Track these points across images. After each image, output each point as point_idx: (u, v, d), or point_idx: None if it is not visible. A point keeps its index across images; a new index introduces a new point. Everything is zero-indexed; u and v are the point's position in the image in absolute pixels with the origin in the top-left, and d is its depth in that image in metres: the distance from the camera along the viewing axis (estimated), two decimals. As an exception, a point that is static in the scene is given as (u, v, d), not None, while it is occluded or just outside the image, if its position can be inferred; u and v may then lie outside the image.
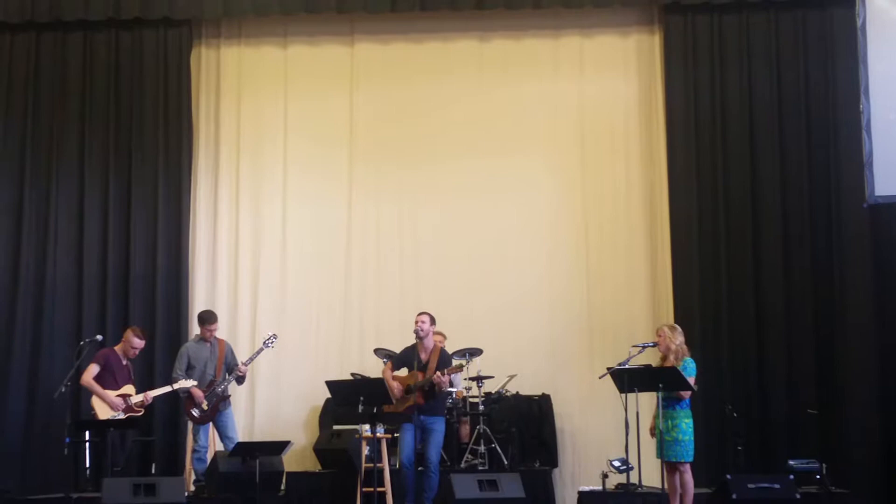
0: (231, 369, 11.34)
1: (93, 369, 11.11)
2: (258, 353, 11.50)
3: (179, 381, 11.10)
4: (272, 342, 11.47)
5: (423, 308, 10.85)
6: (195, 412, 11.13)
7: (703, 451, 10.14)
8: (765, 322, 12.06)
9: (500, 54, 13.11)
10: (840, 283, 11.96)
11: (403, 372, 10.69)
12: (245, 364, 11.37)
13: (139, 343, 11.41)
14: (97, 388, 11.03)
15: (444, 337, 11.62)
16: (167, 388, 11.22)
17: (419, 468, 10.53)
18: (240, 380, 11.42)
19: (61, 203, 12.73)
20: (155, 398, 11.33)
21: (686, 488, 9.82)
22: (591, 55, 13.03)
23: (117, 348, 11.41)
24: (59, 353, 12.30)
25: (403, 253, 12.94)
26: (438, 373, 10.32)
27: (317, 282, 12.92)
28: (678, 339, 9.99)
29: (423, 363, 10.45)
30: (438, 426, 10.46)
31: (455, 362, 11.49)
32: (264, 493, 10.11)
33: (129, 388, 11.16)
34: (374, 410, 10.06)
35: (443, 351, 10.71)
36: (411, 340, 10.64)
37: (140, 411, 11.14)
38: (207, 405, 11.13)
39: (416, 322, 10.54)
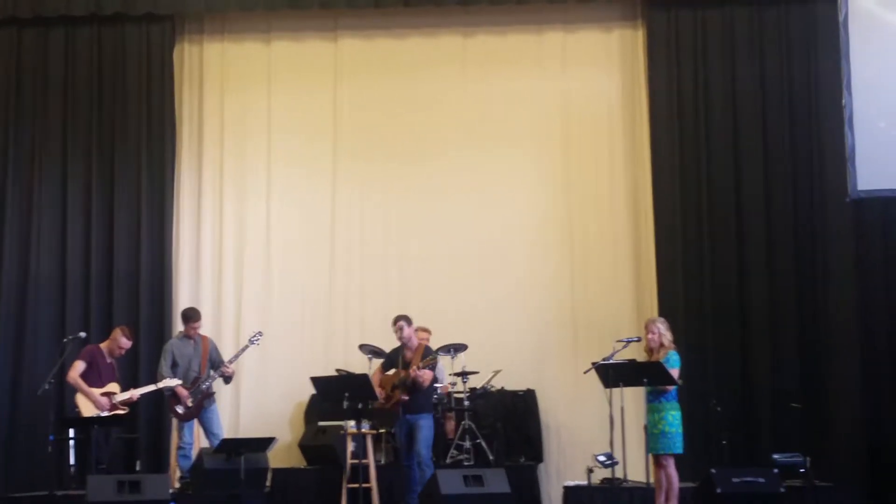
0: (216, 366, 11.32)
1: (79, 366, 11.07)
2: (243, 350, 11.48)
3: (165, 380, 11.08)
4: (257, 339, 11.46)
5: (408, 303, 10.86)
6: (179, 409, 11.11)
7: (687, 445, 10.12)
8: (748, 317, 12.10)
9: (483, 50, 13.10)
10: (823, 278, 12.00)
11: (391, 372, 10.76)
12: (230, 363, 11.36)
13: (126, 343, 11.38)
14: (83, 385, 11.00)
15: (430, 333, 11.64)
16: (152, 387, 11.21)
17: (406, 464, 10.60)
18: (227, 379, 11.42)
19: (44, 200, 12.69)
20: (140, 396, 11.31)
21: (671, 482, 9.85)
22: (575, 51, 13.03)
23: (103, 346, 11.37)
24: (43, 350, 12.28)
25: (388, 249, 12.93)
26: (413, 368, 10.38)
27: (301, 278, 12.90)
28: (669, 334, 10.03)
29: (406, 362, 10.52)
30: (425, 422, 10.52)
31: (439, 357, 11.52)
32: (249, 490, 10.08)
33: (113, 386, 11.12)
34: (360, 406, 10.08)
35: (427, 347, 10.75)
36: (396, 336, 10.72)
37: (125, 409, 11.11)
38: (192, 402, 11.11)
39: (395, 331, 10.64)
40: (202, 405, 11.19)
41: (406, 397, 10.43)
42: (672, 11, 12.59)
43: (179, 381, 11.09)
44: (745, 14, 12.52)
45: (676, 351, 9.97)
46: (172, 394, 11.11)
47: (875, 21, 11.54)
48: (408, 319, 10.73)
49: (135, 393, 11.18)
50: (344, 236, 12.94)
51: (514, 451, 11.97)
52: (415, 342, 10.73)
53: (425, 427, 10.50)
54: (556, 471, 12.19)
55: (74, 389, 11.10)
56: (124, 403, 11.10)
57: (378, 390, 10.56)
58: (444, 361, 11.86)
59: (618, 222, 12.73)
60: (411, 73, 13.13)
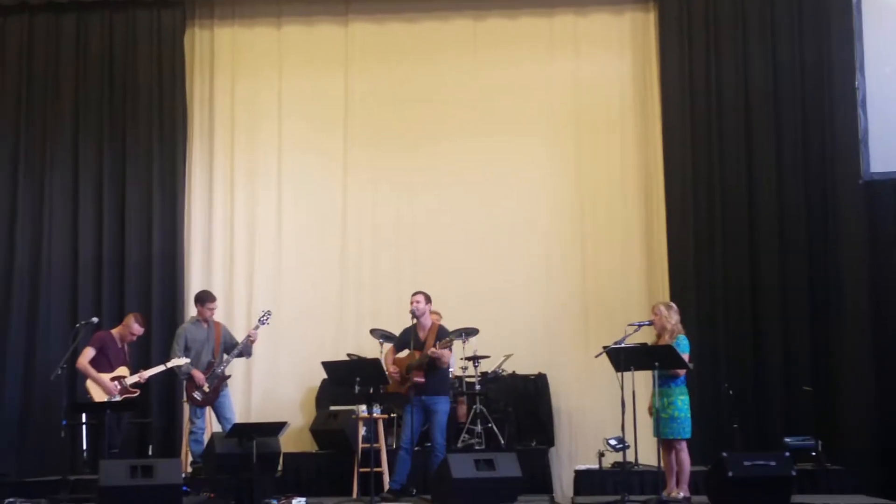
0: (230, 349, 11.33)
1: (88, 353, 11.13)
2: (255, 331, 11.46)
3: (173, 360, 11.12)
4: (267, 319, 11.43)
5: (419, 287, 10.85)
6: (197, 395, 11.13)
7: (699, 429, 10.14)
8: (760, 300, 12.05)
9: (495, 33, 13.10)
10: (836, 260, 11.93)
11: (404, 353, 10.72)
12: (253, 331, 11.34)
13: (139, 330, 11.44)
14: (92, 372, 11.05)
15: (440, 316, 11.62)
16: (160, 368, 11.25)
17: (417, 448, 10.57)
18: (247, 349, 11.37)
19: (56, 186, 12.76)
20: (150, 378, 11.36)
21: (682, 466, 9.86)
22: (586, 33, 13.02)
23: (114, 332, 11.42)
24: (56, 335, 12.35)
25: (399, 233, 12.94)
26: (433, 347, 10.33)
27: (313, 263, 12.92)
28: (674, 317, 10.02)
29: (420, 341, 10.47)
30: (441, 406, 10.46)
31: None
32: (261, 474, 10.08)
33: (123, 370, 11.18)
34: (371, 391, 10.05)
35: (441, 327, 10.66)
36: (407, 321, 10.69)
37: (136, 392, 11.16)
38: (209, 387, 11.13)
39: (412, 302, 10.56)
40: (219, 390, 11.21)
41: (422, 380, 10.40)
42: (684, -8, 12.56)
43: (187, 360, 11.10)
44: (758, -6, 12.48)
45: (685, 335, 9.96)
46: (189, 379, 11.14)
47: (888, 2, 11.52)
48: (427, 296, 10.67)
49: (144, 374, 11.23)
50: (355, 221, 12.96)
51: (526, 436, 11.98)
52: (428, 320, 10.65)
53: (442, 412, 10.44)
54: (567, 455, 12.20)
55: (86, 376, 11.15)
56: (134, 386, 11.14)
57: (392, 368, 10.52)
58: (455, 346, 11.85)
59: (629, 206, 12.71)
60: (423, 57, 13.15)
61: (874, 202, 11.79)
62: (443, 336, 10.48)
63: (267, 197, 13.02)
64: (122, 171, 12.76)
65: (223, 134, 13.12)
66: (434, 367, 10.44)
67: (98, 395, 10.99)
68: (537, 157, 12.90)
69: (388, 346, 11.27)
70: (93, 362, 11.08)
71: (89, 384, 11.06)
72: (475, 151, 12.89)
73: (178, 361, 11.10)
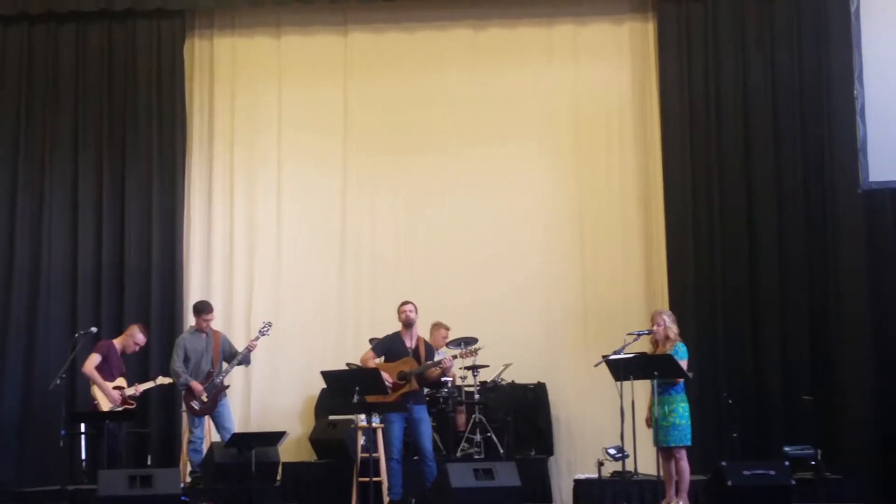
0: (229, 359, 11.33)
1: (95, 358, 11.17)
2: (255, 341, 11.46)
3: (159, 378, 11.30)
4: (267, 330, 11.44)
5: (418, 298, 10.86)
6: (195, 405, 11.13)
7: (698, 437, 10.11)
8: (760, 308, 12.04)
9: (494, 43, 13.11)
10: (835, 269, 11.92)
11: (380, 360, 10.70)
12: (253, 341, 11.35)
13: (142, 340, 11.52)
14: (98, 378, 11.09)
15: (448, 329, 11.65)
16: (150, 384, 11.36)
17: (415, 457, 10.57)
18: (246, 358, 11.37)
19: (55, 195, 12.75)
20: (144, 391, 11.40)
21: (682, 475, 9.83)
22: (585, 43, 13.03)
23: (117, 341, 11.47)
24: (54, 345, 12.33)
25: (398, 242, 12.95)
26: (449, 356, 10.46)
27: (312, 272, 12.93)
28: (676, 326, 10.02)
29: (415, 350, 10.47)
30: (425, 415, 10.55)
31: (450, 351, 11.47)
32: (260, 484, 10.10)
33: (121, 381, 11.23)
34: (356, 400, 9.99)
35: (427, 342, 10.77)
36: (403, 317, 10.68)
37: (133, 404, 11.21)
38: (207, 397, 11.13)
39: (405, 311, 10.60)
40: (217, 400, 11.21)
41: (417, 388, 10.40)
42: (683, 3, 12.56)
43: (170, 380, 11.19)
44: (756, 5, 12.46)
45: (682, 342, 9.96)
46: (188, 389, 11.13)
47: (887, 12, 11.56)
48: (416, 307, 10.72)
49: (139, 388, 11.31)
50: (354, 230, 12.96)
51: (525, 445, 11.97)
52: (416, 331, 10.70)
53: (426, 421, 10.52)
54: (566, 464, 12.18)
55: (87, 383, 11.19)
56: (131, 398, 11.19)
57: (384, 375, 10.49)
58: (452, 355, 11.86)
59: (628, 215, 12.72)
60: (422, 66, 13.16)
61: (873, 211, 11.80)
62: (430, 351, 10.59)
63: (266, 206, 13.02)
64: (122, 181, 12.76)
65: (223, 144, 13.13)
66: (424, 379, 10.46)
67: (104, 403, 11.02)
68: (536, 166, 12.92)
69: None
70: (97, 369, 11.11)
71: (95, 391, 11.11)
72: (474, 160, 12.91)
73: (164, 380, 11.25)
